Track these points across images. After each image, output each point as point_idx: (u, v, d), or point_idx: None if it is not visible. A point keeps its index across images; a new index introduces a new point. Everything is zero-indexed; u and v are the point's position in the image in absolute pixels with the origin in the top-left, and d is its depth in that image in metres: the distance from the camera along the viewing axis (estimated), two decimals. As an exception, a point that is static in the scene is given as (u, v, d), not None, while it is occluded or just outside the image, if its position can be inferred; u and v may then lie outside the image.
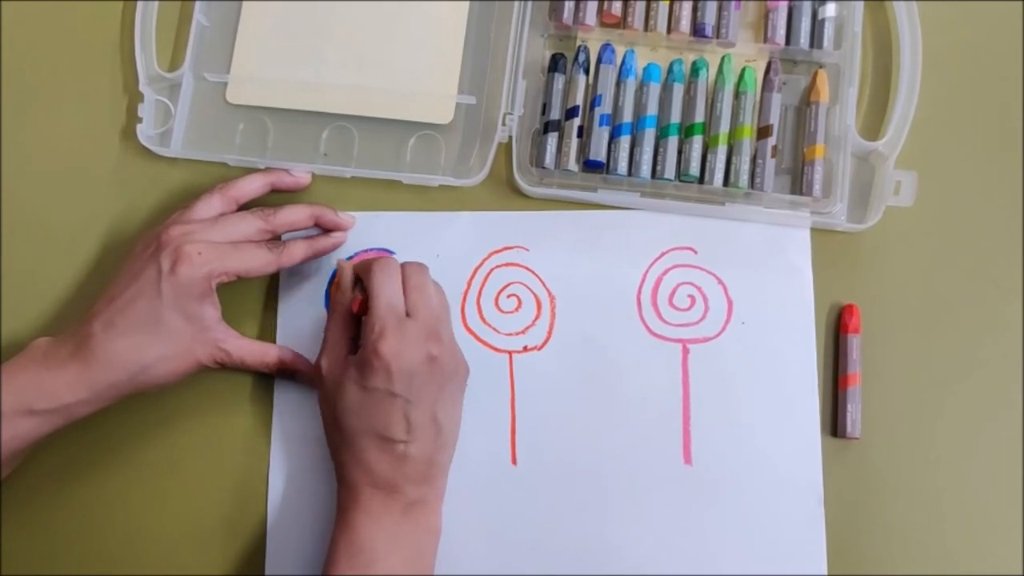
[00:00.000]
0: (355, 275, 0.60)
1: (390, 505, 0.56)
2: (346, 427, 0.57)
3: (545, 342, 0.63)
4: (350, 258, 0.64)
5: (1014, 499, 0.61)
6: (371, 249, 0.64)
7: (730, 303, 0.63)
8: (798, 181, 0.64)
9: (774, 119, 0.64)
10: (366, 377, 0.56)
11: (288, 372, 0.62)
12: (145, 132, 0.65)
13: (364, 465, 0.56)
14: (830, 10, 0.65)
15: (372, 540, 0.56)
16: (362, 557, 0.55)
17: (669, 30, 0.65)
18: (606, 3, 0.65)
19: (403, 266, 0.59)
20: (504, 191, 0.65)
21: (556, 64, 0.65)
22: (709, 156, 0.64)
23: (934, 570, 0.60)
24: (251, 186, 0.63)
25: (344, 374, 0.57)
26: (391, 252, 0.64)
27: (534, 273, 0.64)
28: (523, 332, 0.63)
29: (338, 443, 0.58)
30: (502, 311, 0.64)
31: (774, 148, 0.63)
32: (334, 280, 0.64)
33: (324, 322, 0.63)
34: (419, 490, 0.57)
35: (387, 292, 0.57)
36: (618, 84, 0.65)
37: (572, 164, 0.64)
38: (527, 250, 0.65)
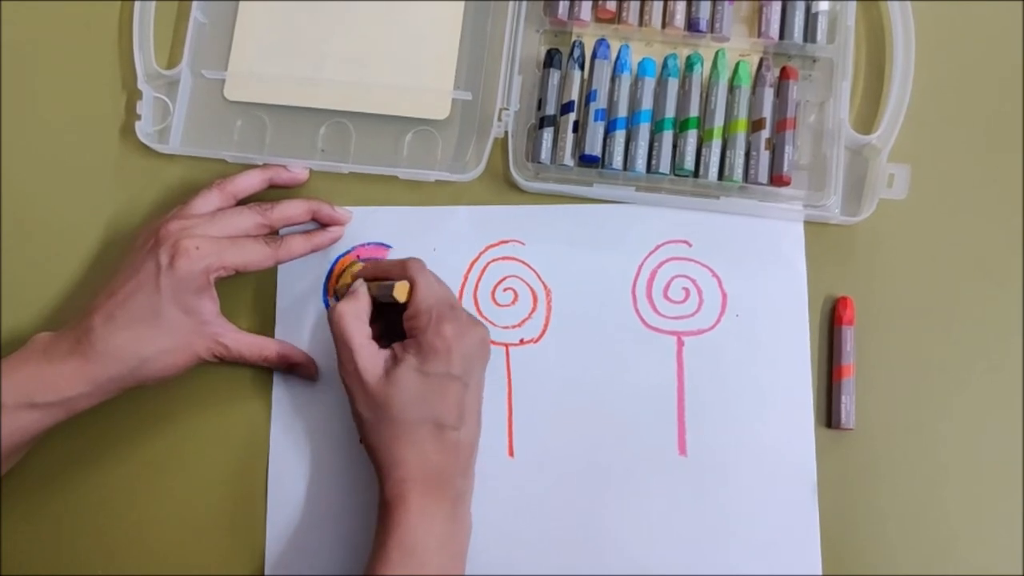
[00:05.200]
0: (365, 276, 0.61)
1: (440, 501, 0.56)
2: (402, 419, 0.56)
3: (541, 335, 0.64)
4: (347, 253, 0.65)
5: (1009, 490, 0.61)
6: (368, 244, 0.65)
7: (724, 296, 0.64)
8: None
9: (767, 113, 0.64)
10: (427, 362, 0.56)
11: (286, 366, 0.63)
12: (144, 129, 0.66)
13: (419, 457, 0.56)
14: (823, 5, 0.65)
15: (424, 541, 0.55)
16: (413, 559, 0.54)
17: (664, 25, 0.66)
18: (601, -1, 0.66)
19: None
20: (500, 186, 0.66)
21: (551, 59, 0.66)
22: (704, 150, 0.64)
23: (928, 560, 0.61)
24: (249, 182, 0.63)
25: (397, 364, 0.56)
26: (388, 246, 0.65)
27: (530, 267, 0.65)
28: (519, 325, 0.64)
29: (389, 439, 0.56)
30: (498, 304, 0.64)
31: (768, 141, 0.64)
32: (332, 273, 0.64)
33: (322, 316, 0.64)
34: (464, 482, 0.58)
35: (430, 282, 0.58)
36: (613, 79, 0.65)
37: (568, 159, 0.65)
38: (523, 244, 0.65)
